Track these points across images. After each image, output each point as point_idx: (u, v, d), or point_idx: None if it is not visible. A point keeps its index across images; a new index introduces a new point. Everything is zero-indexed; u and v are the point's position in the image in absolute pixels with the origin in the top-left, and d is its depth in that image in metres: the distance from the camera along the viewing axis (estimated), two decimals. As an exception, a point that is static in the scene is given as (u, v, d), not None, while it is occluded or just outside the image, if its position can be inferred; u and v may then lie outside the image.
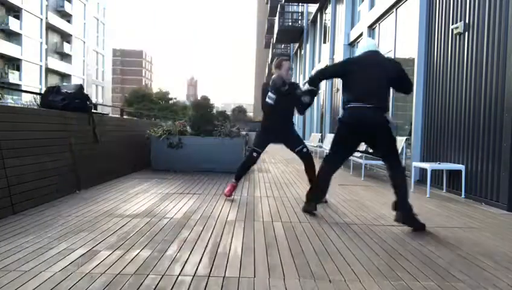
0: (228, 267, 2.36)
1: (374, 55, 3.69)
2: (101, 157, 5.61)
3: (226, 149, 7.18)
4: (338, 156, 3.81)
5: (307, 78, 4.20)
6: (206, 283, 2.11)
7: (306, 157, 4.46)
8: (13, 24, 38.07)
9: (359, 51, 3.78)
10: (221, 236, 3.01)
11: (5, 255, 2.46)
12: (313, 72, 4.03)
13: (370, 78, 3.52)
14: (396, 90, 3.86)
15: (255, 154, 4.52)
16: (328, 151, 3.92)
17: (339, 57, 12.46)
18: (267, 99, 4.22)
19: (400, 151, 6.54)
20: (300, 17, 21.28)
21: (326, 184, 3.83)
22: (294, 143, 4.50)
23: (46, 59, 44.06)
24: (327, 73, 4.14)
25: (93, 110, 5.59)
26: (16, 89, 38.75)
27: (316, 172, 4.02)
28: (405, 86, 3.72)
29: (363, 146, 7.92)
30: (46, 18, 43.77)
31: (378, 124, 3.51)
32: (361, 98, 3.51)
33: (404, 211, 3.35)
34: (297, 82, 4.49)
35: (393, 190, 3.46)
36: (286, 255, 2.61)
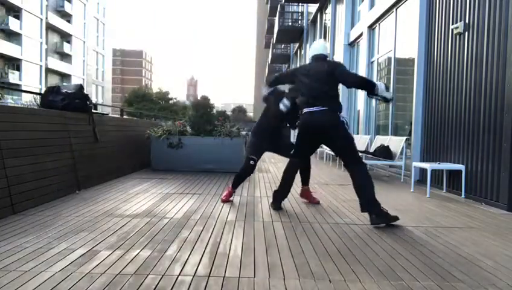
0: (228, 267, 2.36)
1: (319, 60, 3.89)
2: (101, 157, 5.61)
3: (226, 149, 7.19)
4: (301, 154, 4.08)
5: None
6: (206, 283, 2.11)
7: None
8: (13, 24, 38.04)
9: (310, 52, 4.00)
10: (221, 236, 3.01)
11: (5, 255, 2.46)
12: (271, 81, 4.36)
13: (313, 82, 3.75)
14: (347, 87, 4.04)
15: (251, 162, 4.37)
16: (293, 151, 4.13)
17: (339, 57, 12.46)
18: (281, 106, 4.14)
19: (400, 151, 6.57)
20: (300, 17, 21.26)
21: (292, 180, 4.09)
22: (288, 146, 4.40)
23: (46, 59, 44.05)
24: (281, 80, 4.32)
25: (93, 110, 5.59)
26: (16, 89, 38.72)
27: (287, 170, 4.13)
28: (349, 80, 3.81)
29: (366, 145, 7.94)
30: (46, 18, 43.74)
31: (329, 124, 3.69)
32: (309, 103, 3.73)
33: (374, 212, 3.42)
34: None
35: (356, 191, 3.57)
36: (286, 255, 2.61)
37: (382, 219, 3.41)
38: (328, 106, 3.70)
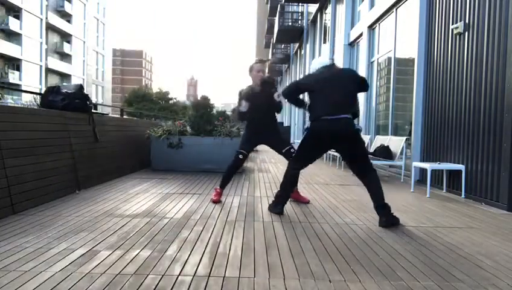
0: (228, 267, 2.36)
1: (331, 68, 3.77)
2: (101, 157, 5.61)
3: (226, 149, 7.17)
4: (306, 160, 3.91)
5: (280, 91, 4.23)
6: (206, 283, 2.11)
7: None
8: (13, 24, 38.07)
9: (314, 68, 3.85)
10: (221, 236, 3.01)
11: (5, 255, 2.46)
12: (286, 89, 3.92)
13: (335, 90, 3.58)
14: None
15: (240, 156, 4.31)
16: (295, 154, 4.02)
17: (339, 57, 12.46)
18: (241, 108, 4.27)
19: (400, 151, 6.57)
20: (300, 17, 21.25)
21: (294, 185, 4.02)
22: (281, 143, 4.35)
23: (46, 59, 44.06)
24: (301, 89, 3.94)
25: (93, 110, 5.59)
26: (16, 89, 38.75)
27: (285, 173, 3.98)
28: (363, 87, 3.79)
29: None
30: (46, 18, 43.76)
31: (349, 133, 3.60)
32: (331, 111, 3.55)
33: (386, 215, 3.43)
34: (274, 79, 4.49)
35: (371, 195, 3.54)
36: (286, 255, 2.61)
37: (390, 224, 3.42)
38: (350, 113, 3.61)
